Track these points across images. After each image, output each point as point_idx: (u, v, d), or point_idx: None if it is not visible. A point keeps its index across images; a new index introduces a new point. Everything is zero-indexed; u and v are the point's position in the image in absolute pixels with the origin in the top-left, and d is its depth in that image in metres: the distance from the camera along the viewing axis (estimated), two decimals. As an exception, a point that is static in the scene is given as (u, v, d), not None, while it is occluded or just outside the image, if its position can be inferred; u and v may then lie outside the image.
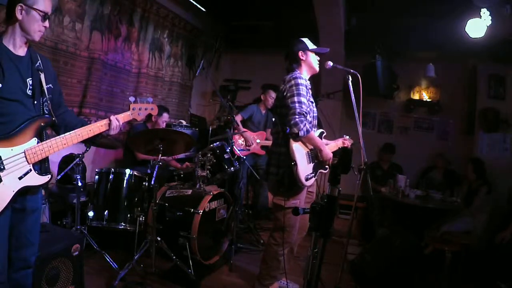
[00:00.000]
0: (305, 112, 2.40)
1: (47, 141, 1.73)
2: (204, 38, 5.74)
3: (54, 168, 3.29)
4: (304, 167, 2.45)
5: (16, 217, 1.70)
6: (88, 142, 1.89)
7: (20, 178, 1.64)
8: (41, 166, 1.76)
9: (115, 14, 3.96)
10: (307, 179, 2.45)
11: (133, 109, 2.08)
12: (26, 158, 1.65)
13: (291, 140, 2.41)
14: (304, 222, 2.71)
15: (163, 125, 3.98)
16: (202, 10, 5.32)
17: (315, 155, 2.57)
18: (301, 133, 2.35)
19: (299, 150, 2.44)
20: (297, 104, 2.37)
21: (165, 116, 3.98)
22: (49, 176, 1.75)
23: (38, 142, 1.70)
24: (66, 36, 3.41)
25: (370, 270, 3.05)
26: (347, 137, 2.91)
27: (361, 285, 3.06)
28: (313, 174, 2.54)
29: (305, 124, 2.37)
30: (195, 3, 5.12)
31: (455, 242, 3.44)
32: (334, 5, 4.43)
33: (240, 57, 6.42)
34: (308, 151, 2.53)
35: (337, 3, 4.40)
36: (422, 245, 3.57)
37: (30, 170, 1.67)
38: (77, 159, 2.91)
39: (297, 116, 2.34)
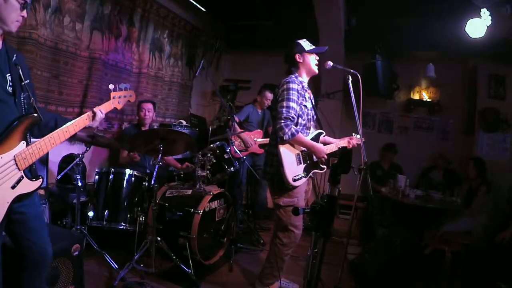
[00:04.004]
0: (292, 117, 2.46)
1: (35, 143, 1.60)
2: (204, 38, 5.74)
3: (54, 168, 3.30)
4: (292, 169, 2.50)
5: (19, 226, 1.64)
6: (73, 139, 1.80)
7: (13, 187, 1.53)
8: (31, 171, 1.66)
9: (115, 14, 3.96)
10: (294, 180, 2.50)
11: (113, 98, 1.96)
12: (17, 165, 1.54)
13: (279, 143, 2.47)
14: None
15: (148, 116, 3.81)
16: (202, 10, 5.32)
17: (307, 156, 2.60)
18: (285, 137, 2.43)
19: (286, 153, 2.49)
20: (284, 109, 2.45)
21: (147, 106, 3.82)
22: (41, 180, 1.65)
23: (26, 145, 1.58)
24: (66, 36, 3.41)
25: (370, 270, 3.05)
26: (357, 136, 2.76)
27: (361, 285, 3.06)
28: (303, 175, 2.56)
29: (290, 128, 2.43)
30: (195, 3, 5.12)
31: (455, 242, 3.44)
32: (334, 5, 4.44)
33: (240, 57, 6.42)
34: (298, 153, 2.57)
35: (337, 3, 4.41)
36: (422, 245, 3.57)
37: (22, 177, 1.56)
38: (77, 159, 2.90)
39: (282, 121, 2.43)
